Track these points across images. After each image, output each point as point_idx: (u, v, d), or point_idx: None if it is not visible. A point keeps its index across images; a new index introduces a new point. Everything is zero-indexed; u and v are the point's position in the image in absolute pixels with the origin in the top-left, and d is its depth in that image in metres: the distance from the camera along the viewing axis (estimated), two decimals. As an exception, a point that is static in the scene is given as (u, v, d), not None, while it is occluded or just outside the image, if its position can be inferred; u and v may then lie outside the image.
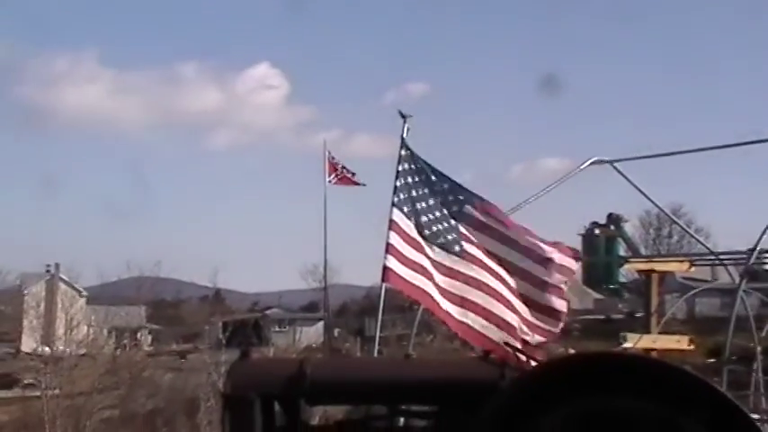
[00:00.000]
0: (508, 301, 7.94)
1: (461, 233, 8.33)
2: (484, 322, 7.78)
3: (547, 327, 8.08)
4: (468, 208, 8.49)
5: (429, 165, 8.83)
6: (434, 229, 8.38)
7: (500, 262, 8.13)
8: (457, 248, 8.23)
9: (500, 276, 8.05)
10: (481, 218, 8.38)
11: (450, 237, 8.31)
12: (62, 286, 58.73)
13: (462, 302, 7.92)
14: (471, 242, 8.26)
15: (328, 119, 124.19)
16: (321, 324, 61.81)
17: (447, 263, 8.14)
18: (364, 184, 35.90)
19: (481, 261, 8.13)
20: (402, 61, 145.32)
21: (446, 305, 7.96)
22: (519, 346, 7.11)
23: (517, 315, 7.89)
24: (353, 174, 36.34)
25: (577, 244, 77.55)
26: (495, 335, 7.65)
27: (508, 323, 7.79)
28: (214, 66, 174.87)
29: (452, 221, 8.40)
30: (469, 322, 7.84)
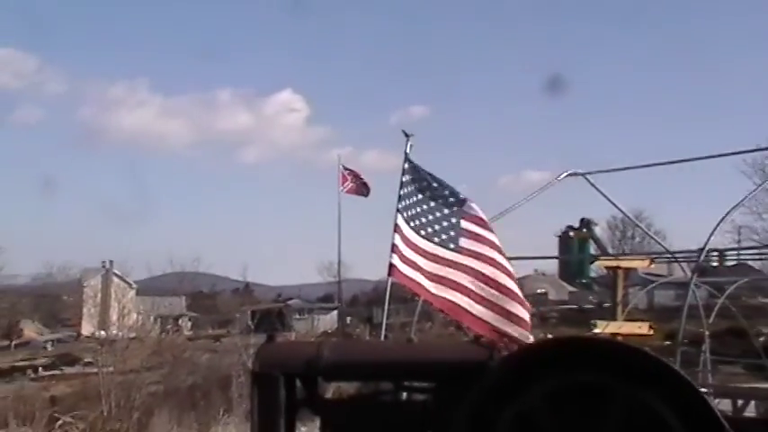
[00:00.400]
0: (500, 286, 7.80)
1: (461, 229, 8.28)
2: (479, 307, 7.73)
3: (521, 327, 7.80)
4: (466, 210, 8.44)
5: (431, 174, 8.82)
6: (432, 229, 8.36)
7: (491, 261, 8.05)
8: (452, 245, 8.22)
9: (495, 264, 7.97)
10: (473, 229, 8.30)
11: (448, 234, 8.27)
12: (115, 280, 58.86)
13: (459, 289, 7.86)
14: (469, 237, 8.23)
15: (342, 137, 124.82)
16: (335, 313, 61.79)
17: (447, 256, 8.11)
18: (366, 195, 35.88)
19: (477, 252, 8.09)
20: (405, 86, 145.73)
21: (444, 293, 7.91)
22: (509, 329, 7.10)
23: (509, 298, 7.72)
24: (364, 183, 36.29)
25: (555, 244, 77.60)
26: (488, 318, 7.60)
27: (501, 307, 7.68)
28: (246, 92, 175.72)
29: (453, 219, 8.37)
30: (466, 307, 7.77)
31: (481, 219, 8.29)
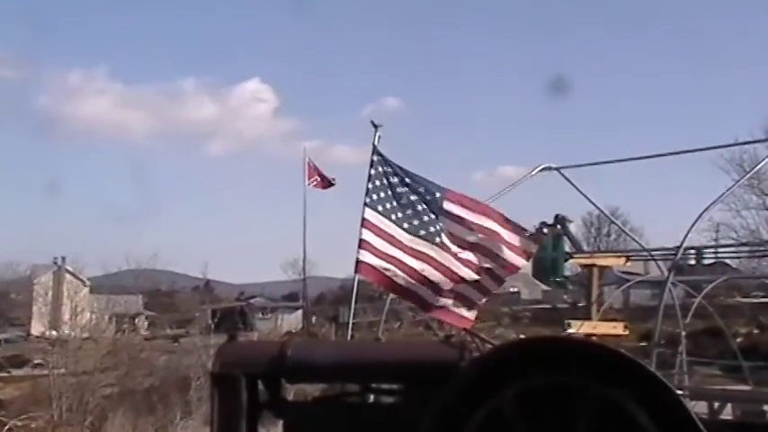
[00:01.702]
0: (475, 285, 8.06)
1: (443, 225, 8.34)
2: (453, 302, 7.92)
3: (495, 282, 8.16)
4: (444, 203, 8.48)
5: (401, 168, 8.82)
6: (415, 222, 8.38)
7: (471, 247, 8.19)
8: (438, 240, 8.25)
9: (470, 264, 8.12)
10: (455, 210, 8.38)
11: (431, 229, 8.31)
12: (68, 277, 58.18)
13: (439, 291, 8.01)
14: (449, 234, 8.29)
15: (311, 130, 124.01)
16: (300, 312, 61.67)
17: (429, 252, 8.17)
18: (333, 183, 35.85)
19: (454, 252, 8.19)
20: (379, 77, 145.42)
21: (420, 290, 8.04)
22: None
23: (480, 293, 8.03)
24: (327, 179, 36.24)
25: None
26: (463, 313, 7.82)
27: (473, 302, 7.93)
28: (210, 81, 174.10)
29: (432, 215, 8.41)
30: (440, 303, 7.96)
31: (455, 214, 8.35)
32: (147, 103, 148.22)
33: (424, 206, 8.43)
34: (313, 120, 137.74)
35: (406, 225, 8.35)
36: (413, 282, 8.06)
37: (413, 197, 8.53)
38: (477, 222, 8.20)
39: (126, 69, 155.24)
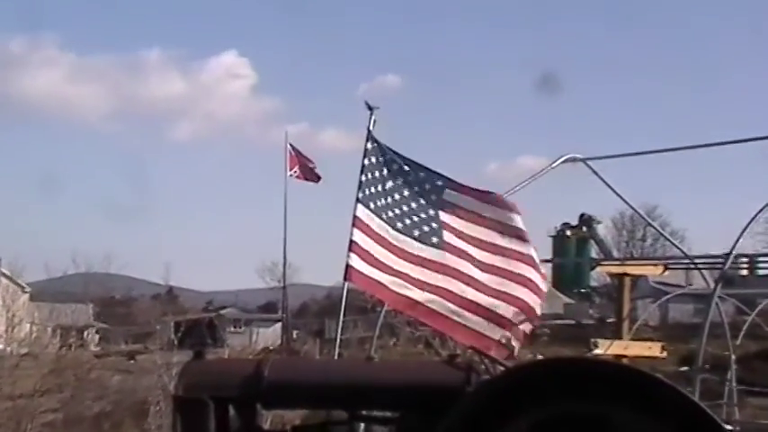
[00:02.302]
0: (488, 289, 7.99)
1: (442, 222, 8.36)
2: (465, 313, 7.86)
3: (520, 318, 8.15)
4: (449, 193, 8.51)
5: (400, 155, 8.84)
6: (408, 221, 8.40)
7: (481, 245, 8.18)
8: (435, 240, 8.27)
9: (480, 264, 8.10)
10: (461, 203, 8.41)
11: (427, 228, 8.34)
12: (3, 281, 58.05)
13: (444, 294, 7.96)
14: (452, 230, 8.30)
15: (296, 111, 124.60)
16: (279, 325, 61.68)
17: (425, 255, 8.18)
18: (316, 181, 35.85)
19: (461, 250, 8.17)
20: (376, 51, 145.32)
21: (417, 296, 8.01)
22: (498, 336, 7.19)
23: (497, 300, 7.96)
24: (314, 167, 36.24)
25: (548, 245, 78.21)
26: (473, 325, 7.75)
27: (488, 311, 7.85)
28: (179, 53, 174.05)
29: (431, 211, 8.43)
30: (446, 314, 7.92)
31: (462, 206, 8.36)
32: (103, 77, 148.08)
33: (422, 202, 8.45)
34: (298, 99, 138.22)
35: (399, 224, 8.36)
36: (416, 292, 8.05)
37: (407, 192, 8.54)
38: (493, 218, 8.23)
39: (79, 37, 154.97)
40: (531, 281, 8.24)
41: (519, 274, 8.17)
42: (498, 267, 8.14)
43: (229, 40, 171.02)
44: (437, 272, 8.10)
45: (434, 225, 8.38)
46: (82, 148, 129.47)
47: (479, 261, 8.15)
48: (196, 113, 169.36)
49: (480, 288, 7.97)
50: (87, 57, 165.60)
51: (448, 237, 8.29)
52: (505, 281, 8.07)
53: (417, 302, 8.05)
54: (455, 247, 8.21)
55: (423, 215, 8.44)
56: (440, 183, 8.60)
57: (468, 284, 7.98)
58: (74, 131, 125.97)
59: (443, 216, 8.43)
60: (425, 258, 8.16)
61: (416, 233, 8.33)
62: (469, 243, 8.24)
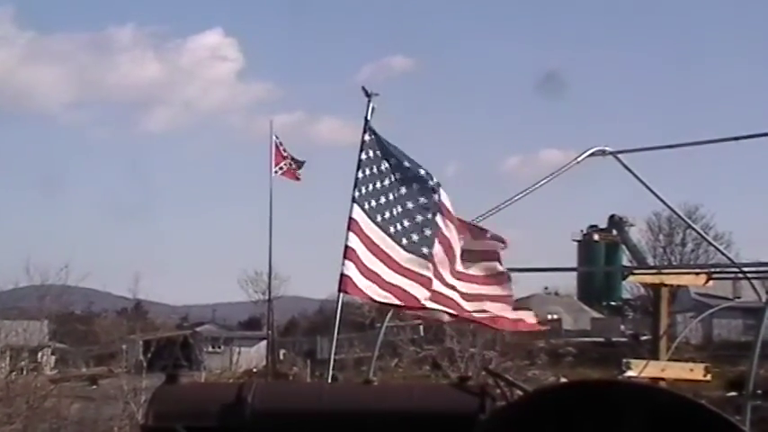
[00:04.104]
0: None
1: (437, 228, 8.52)
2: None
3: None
4: (443, 195, 8.70)
5: (399, 150, 8.90)
6: (399, 226, 8.51)
7: (470, 254, 8.54)
8: (425, 250, 8.40)
9: (465, 276, 8.41)
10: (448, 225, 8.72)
11: (417, 236, 8.47)
12: (-55, 294, 58.11)
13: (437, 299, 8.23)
14: (443, 238, 8.49)
15: (289, 98, 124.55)
16: (263, 344, 61.64)
17: (413, 267, 8.34)
18: (298, 179, 35.84)
19: (446, 261, 8.44)
20: (382, 29, 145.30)
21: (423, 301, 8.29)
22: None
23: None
24: (300, 165, 36.17)
25: (573, 251, 78.23)
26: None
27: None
28: (155, 31, 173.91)
29: (428, 215, 8.56)
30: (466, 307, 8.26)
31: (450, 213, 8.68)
32: (67, 58, 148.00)
33: (420, 202, 8.59)
34: (292, 85, 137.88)
35: (391, 230, 8.48)
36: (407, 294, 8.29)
37: (404, 190, 8.66)
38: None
39: (39, 12, 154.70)
40: (503, 296, 8.88)
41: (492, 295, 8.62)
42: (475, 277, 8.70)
43: (213, 16, 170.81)
44: (422, 285, 8.40)
45: (427, 232, 8.54)
46: (39, 141, 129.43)
47: (461, 272, 8.60)
48: (173, 101, 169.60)
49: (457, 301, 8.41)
50: (49, 35, 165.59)
51: (437, 248, 8.57)
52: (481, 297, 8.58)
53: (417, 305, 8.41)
54: (440, 259, 8.55)
55: (418, 218, 8.61)
56: (432, 182, 8.78)
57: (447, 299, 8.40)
58: (30, 121, 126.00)
59: (439, 220, 8.66)
60: (412, 271, 8.41)
61: (405, 241, 8.49)
62: (455, 251, 8.62)
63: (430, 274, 8.42)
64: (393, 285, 8.30)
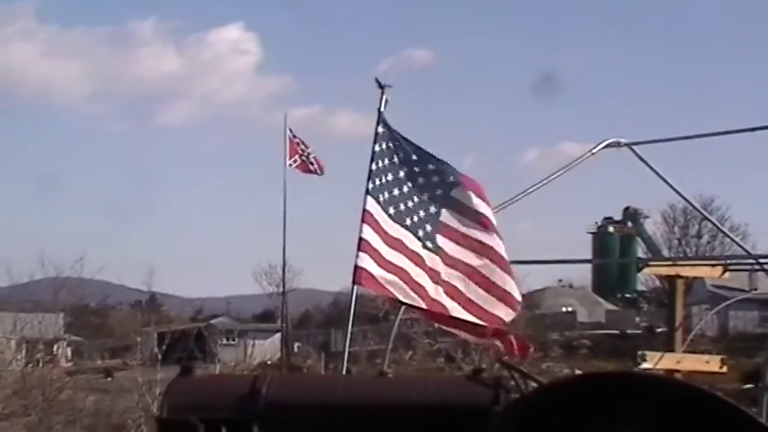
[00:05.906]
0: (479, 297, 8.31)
1: (440, 223, 8.52)
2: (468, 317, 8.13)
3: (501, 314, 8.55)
4: (457, 191, 8.66)
5: (411, 142, 8.93)
6: (415, 218, 8.54)
7: (480, 247, 8.44)
8: (430, 245, 8.42)
9: (472, 272, 8.37)
10: (466, 202, 8.60)
11: (426, 229, 8.48)
12: (-39, 287, 58.34)
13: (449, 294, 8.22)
14: (447, 233, 8.48)
15: (308, 92, 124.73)
16: (278, 336, 61.70)
17: (425, 259, 8.38)
18: (319, 173, 35.82)
19: (452, 258, 8.41)
20: (402, 21, 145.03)
21: (433, 299, 8.25)
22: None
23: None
24: (314, 160, 36.14)
25: (587, 243, 78.16)
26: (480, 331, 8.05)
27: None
28: (175, 25, 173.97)
29: (432, 209, 8.57)
30: (460, 316, 8.18)
31: (467, 205, 8.59)
32: (87, 52, 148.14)
33: (425, 197, 8.60)
34: (310, 78, 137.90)
35: (408, 221, 8.52)
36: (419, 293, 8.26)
37: (411, 184, 8.68)
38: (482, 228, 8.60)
39: (61, 6, 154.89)
40: (508, 294, 8.67)
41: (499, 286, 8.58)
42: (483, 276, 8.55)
43: (235, 10, 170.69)
44: (432, 279, 8.40)
45: (429, 228, 8.56)
46: (58, 133, 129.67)
47: (469, 266, 8.52)
48: (192, 94, 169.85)
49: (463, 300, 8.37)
50: (69, 29, 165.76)
51: (442, 241, 8.54)
52: (485, 293, 8.49)
53: (430, 303, 8.33)
54: (447, 254, 8.51)
55: (422, 212, 8.62)
56: (451, 179, 8.73)
57: (452, 298, 8.31)
58: (51, 113, 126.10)
59: (444, 215, 8.64)
60: (425, 261, 8.44)
61: (420, 233, 8.52)
62: (464, 247, 8.54)
63: (439, 269, 8.42)
64: (420, 286, 8.32)
